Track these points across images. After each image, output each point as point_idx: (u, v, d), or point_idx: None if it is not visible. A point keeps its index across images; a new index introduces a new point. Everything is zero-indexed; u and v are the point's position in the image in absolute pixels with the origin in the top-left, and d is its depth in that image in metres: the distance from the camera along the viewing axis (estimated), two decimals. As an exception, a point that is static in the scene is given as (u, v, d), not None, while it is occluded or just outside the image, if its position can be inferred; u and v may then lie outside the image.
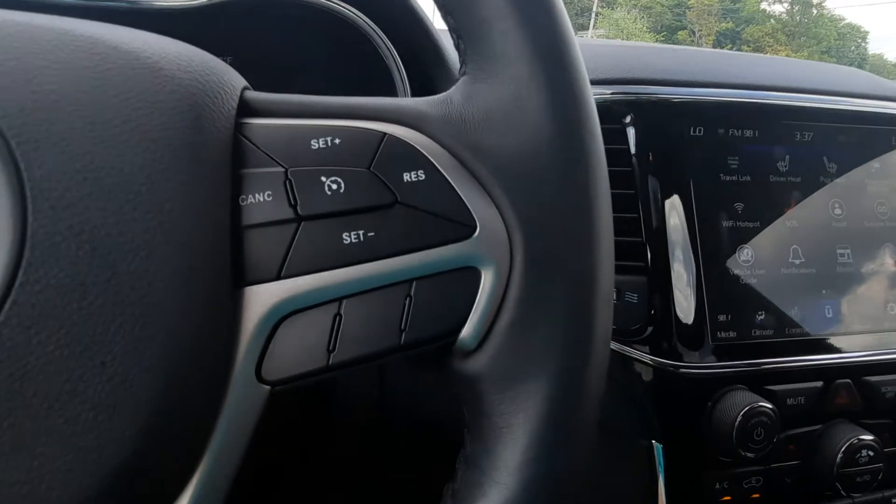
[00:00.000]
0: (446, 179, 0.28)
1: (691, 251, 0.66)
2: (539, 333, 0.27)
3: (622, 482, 0.66)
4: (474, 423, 0.29)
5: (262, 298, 0.26)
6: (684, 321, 0.65)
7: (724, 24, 39.12)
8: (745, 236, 0.68)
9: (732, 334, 0.66)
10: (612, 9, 40.72)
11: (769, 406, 0.62)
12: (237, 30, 0.60)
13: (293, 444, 0.74)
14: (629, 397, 0.65)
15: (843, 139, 0.75)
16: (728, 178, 0.69)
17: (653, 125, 0.68)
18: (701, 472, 0.64)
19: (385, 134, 0.28)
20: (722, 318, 0.66)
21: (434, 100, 0.32)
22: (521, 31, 0.28)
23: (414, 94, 0.63)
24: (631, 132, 0.67)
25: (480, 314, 0.28)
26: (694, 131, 0.69)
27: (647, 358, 0.64)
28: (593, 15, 37.77)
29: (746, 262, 0.68)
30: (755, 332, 0.67)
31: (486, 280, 0.28)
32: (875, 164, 0.76)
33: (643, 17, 40.16)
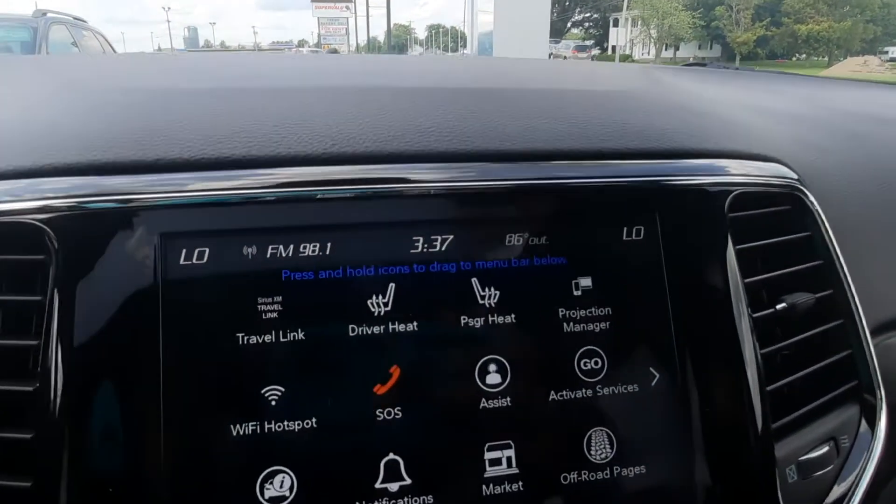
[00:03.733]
0: None
1: (142, 490, 0.35)
2: None
3: None
4: None
5: None
6: None
7: (763, -5, 37.10)
8: (282, 448, 0.37)
9: None
10: (646, -13, 39.08)
11: None
12: None
13: None
14: None
15: (516, 241, 0.42)
16: (258, 339, 0.37)
17: (110, 252, 0.36)
18: None
19: None
20: None
21: None
22: None
23: None
24: (52, 264, 0.36)
25: None
26: (199, 257, 0.37)
27: None
28: (626, -6, 36.36)
29: (279, 499, 0.36)
30: None
31: None
32: (583, 280, 0.42)
33: (679, -7, 38.42)
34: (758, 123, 0.59)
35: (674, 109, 0.53)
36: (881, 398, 0.50)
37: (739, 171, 0.48)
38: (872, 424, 0.50)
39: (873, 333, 0.53)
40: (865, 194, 0.61)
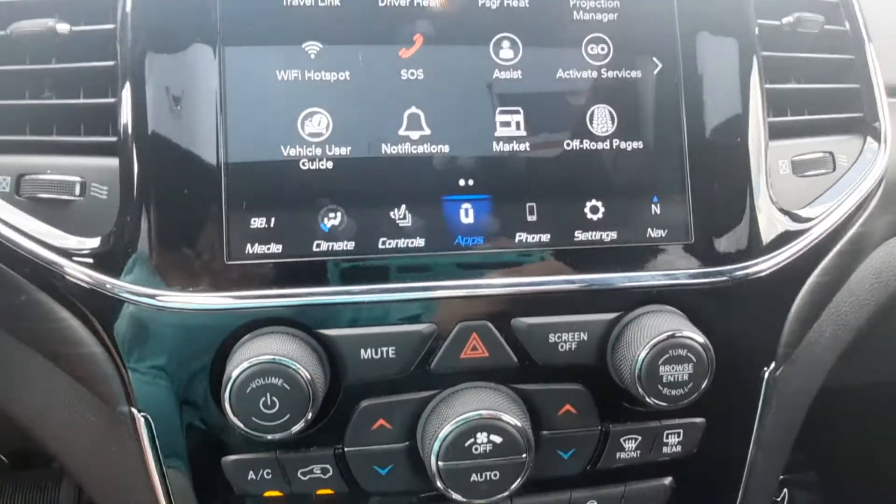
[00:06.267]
0: None
1: (203, 112, 0.41)
2: None
3: (112, 457, 0.45)
4: None
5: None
6: (180, 231, 0.41)
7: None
8: (320, 93, 0.43)
9: (276, 248, 0.42)
10: None
11: (305, 373, 0.38)
12: None
13: None
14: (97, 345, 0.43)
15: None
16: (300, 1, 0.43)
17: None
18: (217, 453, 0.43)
19: None
20: (258, 223, 0.42)
21: None
22: None
23: None
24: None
25: None
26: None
27: (110, 284, 0.41)
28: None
29: (317, 135, 0.43)
30: (320, 245, 0.42)
31: None
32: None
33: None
34: None
35: None
36: (884, 134, 0.52)
37: None
38: (872, 155, 0.52)
39: (889, 93, 0.55)
40: None
